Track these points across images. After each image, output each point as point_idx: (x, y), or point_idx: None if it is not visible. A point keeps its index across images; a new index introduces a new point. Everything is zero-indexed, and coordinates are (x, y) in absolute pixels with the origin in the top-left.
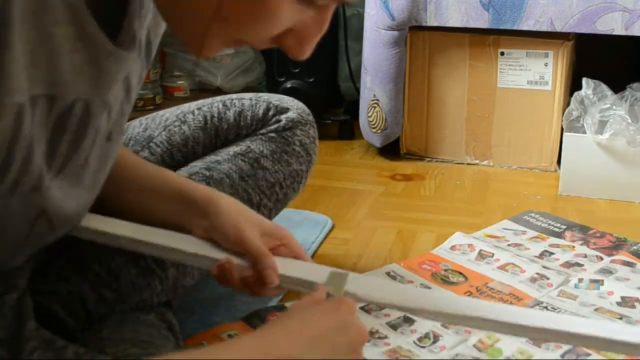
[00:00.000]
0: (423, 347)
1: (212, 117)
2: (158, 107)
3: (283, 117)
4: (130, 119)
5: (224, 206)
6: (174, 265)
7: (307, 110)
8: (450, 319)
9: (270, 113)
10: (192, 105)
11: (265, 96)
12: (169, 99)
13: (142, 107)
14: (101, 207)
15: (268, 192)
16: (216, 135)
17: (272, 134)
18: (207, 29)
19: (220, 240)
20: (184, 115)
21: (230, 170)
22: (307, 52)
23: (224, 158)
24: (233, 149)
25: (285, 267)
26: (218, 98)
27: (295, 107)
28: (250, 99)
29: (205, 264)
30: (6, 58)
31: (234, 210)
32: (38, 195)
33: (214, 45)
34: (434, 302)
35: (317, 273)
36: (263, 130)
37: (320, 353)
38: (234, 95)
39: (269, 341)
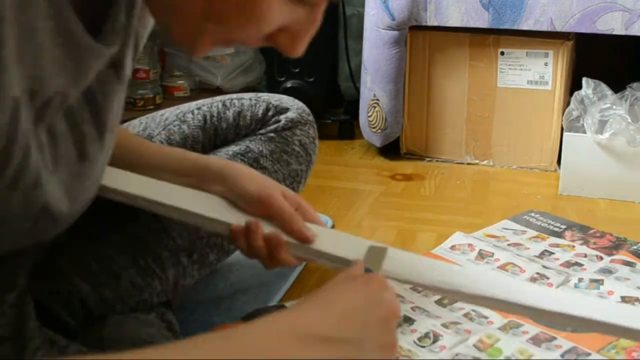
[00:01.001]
0: (423, 346)
1: (212, 116)
2: (158, 107)
3: (282, 117)
4: (130, 118)
5: (242, 169)
6: (174, 265)
7: (307, 110)
8: (498, 305)
9: (270, 113)
10: (192, 105)
11: (265, 96)
12: (169, 99)
13: (143, 107)
14: None
15: None
16: (215, 135)
17: (272, 134)
18: (196, 28)
19: (241, 202)
20: (183, 115)
21: None
22: (299, 50)
23: (224, 158)
24: (232, 149)
25: (320, 238)
26: (218, 98)
27: (295, 107)
28: (250, 99)
29: (226, 229)
30: (2, 53)
31: (253, 173)
32: (39, 191)
33: (206, 44)
34: (481, 285)
35: (353, 246)
36: (262, 130)
37: (352, 330)
38: (234, 95)
39: (300, 319)
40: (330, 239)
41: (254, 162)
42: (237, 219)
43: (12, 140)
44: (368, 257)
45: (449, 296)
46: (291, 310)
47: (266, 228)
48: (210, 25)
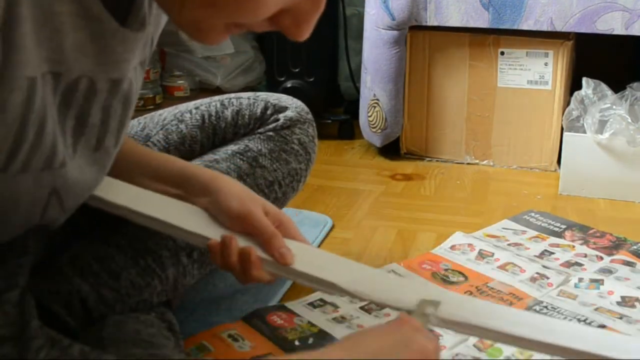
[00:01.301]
0: None
1: (210, 115)
2: (158, 107)
3: (281, 115)
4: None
5: (226, 183)
6: (174, 265)
7: (306, 109)
8: (553, 351)
9: (269, 112)
10: (190, 104)
11: (264, 95)
12: (169, 99)
13: (143, 107)
14: None
15: (267, 190)
16: (214, 134)
17: (271, 133)
18: (200, 15)
19: (223, 217)
20: (181, 115)
21: (229, 169)
22: (305, 33)
23: (222, 157)
24: (231, 148)
25: (300, 257)
26: (216, 97)
27: (294, 106)
28: (249, 98)
29: (203, 242)
30: (16, 33)
31: (238, 188)
32: (50, 173)
33: (212, 31)
34: (535, 330)
35: (335, 267)
36: (261, 130)
37: None
38: (232, 95)
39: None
40: (311, 259)
41: (253, 161)
42: (215, 233)
43: (26, 121)
44: (418, 310)
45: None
46: (323, 351)
47: (244, 244)
48: (209, 11)
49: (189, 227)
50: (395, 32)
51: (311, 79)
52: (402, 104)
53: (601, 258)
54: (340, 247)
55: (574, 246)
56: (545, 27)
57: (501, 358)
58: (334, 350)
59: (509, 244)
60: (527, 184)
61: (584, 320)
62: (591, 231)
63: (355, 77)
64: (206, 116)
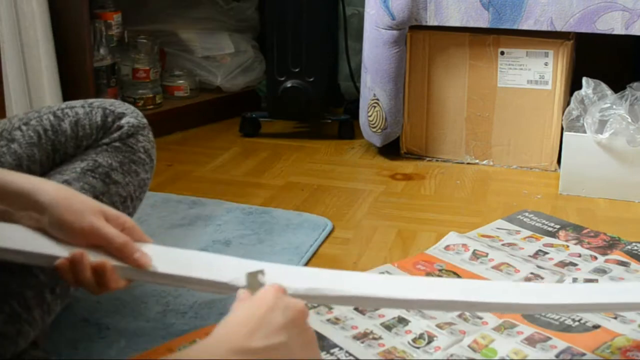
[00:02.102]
0: (418, 347)
1: (46, 130)
2: (158, 107)
3: (124, 122)
4: None
5: (57, 195)
6: (39, 304)
7: (141, 113)
8: (369, 303)
9: (109, 119)
10: (15, 121)
11: (97, 102)
12: (169, 99)
13: (143, 107)
14: None
15: (122, 207)
16: (54, 151)
17: (117, 143)
18: None
19: (62, 234)
20: (9, 134)
21: (83, 190)
22: None
23: (73, 177)
24: (79, 165)
25: (155, 259)
26: (44, 109)
27: (130, 111)
28: (83, 107)
29: (50, 263)
30: None
31: (72, 199)
32: None
33: None
34: (340, 285)
35: (187, 262)
36: (106, 140)
37: (277, 336)
38: (63, 105)
39: (234, 337)
40: (166, 257)
41: (106, 177)
42: (61, 251)
43: None
44: (249, 284)
45: (347, 303)
46: (221, 332)
47: (94, 257)
48: None
49: (32, 249)
50: (395, 32)
51: (311, 79)
52: (402, 103)
53: (595, 258)
54: (340, 246)
55: (568, 246)
56: (545, 27)
57: (496, 358)
58: (238, 326)
59: (503, 244)
60: (527, 183)
61: (579, 321)
62: (585, 231)
63: (355, 76)
64: (41, 132)
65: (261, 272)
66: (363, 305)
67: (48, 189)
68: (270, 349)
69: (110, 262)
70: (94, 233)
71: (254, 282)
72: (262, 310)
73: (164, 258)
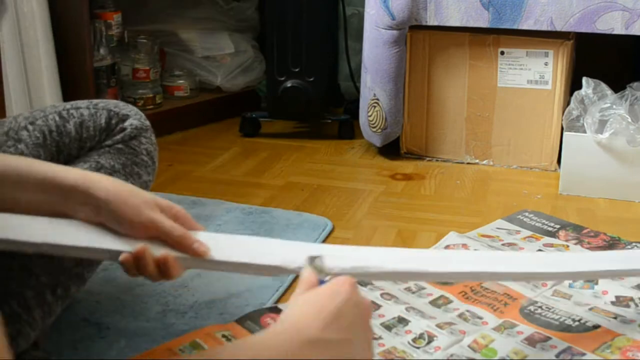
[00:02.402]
0: (418, 347)
1: (51, 131)
2: (158, 107)
3: (127, 124)
4: None
5: (111, 189)
6: (39, 305)
7: (144, 115)
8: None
9: (113, 121)
10: (21, 120)
11: (103, 103)
12: (170, 99)
13: (143, 107)
14: None
15: None
16: (58, 152)
17: (120, 145)
18: None
19: (122, 228)
20: (16, 133)
21: None
22: None
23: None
24: (82, 167)
25: (213, 247)
26: (50, 109)
27: (134, 113)
28: (88, 108)
29: (114, 257)
30: None
31: (126, 192)
32: None
33: None
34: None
35: (248, 249)
36: (109, 142)
37: (344, 331)
38: (68, 105)
39: (303, 326)
40: (222, 244)
41: None
42: (122, 244)
43: None
44: (311, 266)
45: (405, 278)
46: (294, 321)
47: (153, 249)
48: None
49: (93, 244)
50: (395, 32)
51: (311, 79)
52: (402, 103)
53: None
54: None
55: (568, 246)
56: (545, 27)
57: (496, 358)
58: (307, 316)
59: (503, 244)
60: (527, 183)
61: (579, 320)
62: (585, 231)
63: (355, 76)
64: (47, 132)
65: (320, 257)
66: (405, 279)
67: (104, 183)
68: (339, 343)
69: (171, 253)
70: (153, 226)
71: (315, 266)
72: (336, 302)
73: (221, 245)
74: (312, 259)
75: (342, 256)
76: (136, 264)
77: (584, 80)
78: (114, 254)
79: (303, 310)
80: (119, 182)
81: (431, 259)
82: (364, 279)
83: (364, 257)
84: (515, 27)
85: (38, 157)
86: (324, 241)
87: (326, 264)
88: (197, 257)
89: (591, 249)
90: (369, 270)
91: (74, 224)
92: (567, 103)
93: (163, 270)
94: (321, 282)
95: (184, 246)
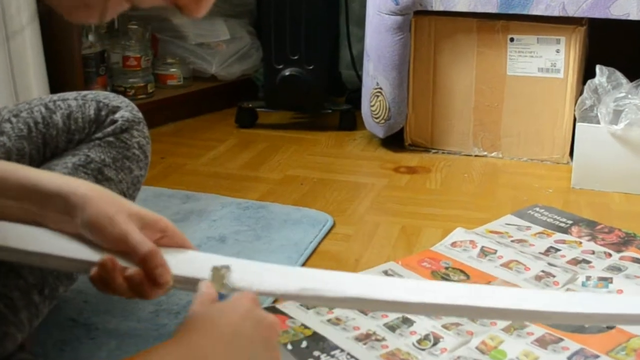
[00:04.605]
0: (423, 349)
1: (37, 123)
2: (150, 96)
3: (118, 116)
4: None
5: (89, 196)
6: (26, 306)
7: (136, 107)
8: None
9: (103, 113)
10: (4, 112)
11: (92, 94)
12: (162, 88)
13: (134, 96)
14: None
15: None
16: (44, 145)
17: (110, 138)
18: None
19: (93, 237)
20: None
21: None
22: (203, 10)
23: (64, 173)
24: (71, 160)
25: (171, 261)
26: (35, 101)
27: (125, 105)
28: (76, 99)
29: (77, 268)
30: None
31: (104, 200)
32: None
33: (99, 6)
34: (328, 285)
35: (200, 267)
36: (99, 134)
37: (242, 353)
38: (55, 97)
39: (195, 350)
40: (182, 261)
41: (99, 174)
42: (93, 255)
43: None
44: (213, 278)
45: (310, 302)
46: (181, 340)
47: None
48: None
49: (71, 254)
50: (399, 18)
51: (311, 67)
52: (407, 93)
53: (610, 255)
54: (342, 243)
55: (581, 242)
56: (557, 12)
57: None
58: (201, 338)
59: (512, 241)
60: (538, 177)
61: None
62: (599, 227)
63: (357, 64)
64: (32, 124)
65: (227, 267)
66: (355, 307)
67: (82, 190)
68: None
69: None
70: (119, 239)
71: (218, 277)
72: (234, 319)
73: (175, 265)
74: (218, 270)
75: (249, 271)
76: (100, 277)
77: (598, 68)
78: (80, 264)
79: (197, 327)
80: (100, 189)
81: (350, 281)
82: (269, 296)
83: (271, 274)
84: (525, 12)
85: (22, 149)
86: (324, 237)
87: (231, 278)
88: (155, 285)
89: (605, 245)
90: (315, 293)
91: (43, 232)
92: (580, 92)
93: (132, 287)
94: (221, 296)
95: (147, 267)
